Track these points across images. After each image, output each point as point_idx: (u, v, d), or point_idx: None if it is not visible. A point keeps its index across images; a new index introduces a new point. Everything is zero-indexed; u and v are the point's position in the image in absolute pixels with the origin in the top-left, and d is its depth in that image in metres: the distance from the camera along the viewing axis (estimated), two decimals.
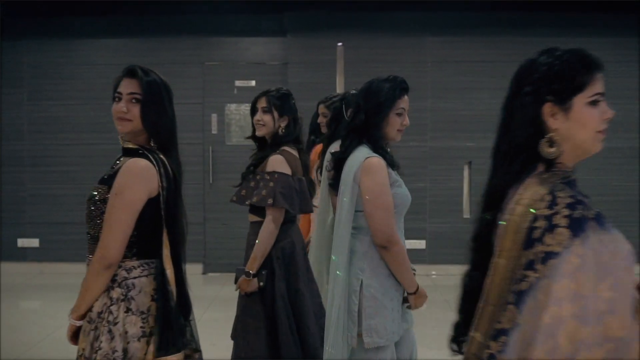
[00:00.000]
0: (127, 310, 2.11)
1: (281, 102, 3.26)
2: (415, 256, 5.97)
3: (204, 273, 7.49)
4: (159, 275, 2.14)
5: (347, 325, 2.52)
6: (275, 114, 3.25)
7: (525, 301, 1.33)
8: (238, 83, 7.38)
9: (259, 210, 3.21)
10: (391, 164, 2.58)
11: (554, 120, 1.46)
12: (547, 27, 7.25)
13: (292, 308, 3.19)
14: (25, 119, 7.49)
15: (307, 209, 3.33)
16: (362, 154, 2.55)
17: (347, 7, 7.25)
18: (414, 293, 2.60)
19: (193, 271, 7.38)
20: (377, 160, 2.53)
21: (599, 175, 7.17)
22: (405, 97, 2.62)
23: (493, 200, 1.52)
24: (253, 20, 7.45)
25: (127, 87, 2.17)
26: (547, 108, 1.46)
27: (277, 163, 3.17)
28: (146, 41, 7.45)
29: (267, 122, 3.25)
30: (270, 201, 3.11)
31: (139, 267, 2.16)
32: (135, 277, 2.14)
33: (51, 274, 7.12)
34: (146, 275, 2.16)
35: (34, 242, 7.47)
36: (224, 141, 7.43)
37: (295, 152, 3.28)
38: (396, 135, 2.62)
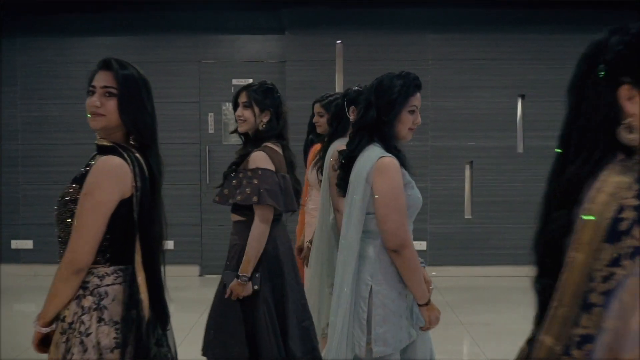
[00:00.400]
0: (100, 320, 2.02)
1: (262, 97, 3.21)
2: None
3: (201, 275, 7.50)
4: (130, 283, 2.05)
5: (353, 333, 2.46)
6: (256, 109, 3.20)
7: (612, 302, 1.20)
8: (235, 81, 7.34)
9: (241, 209, 3.15)
10: (404, 164, 2.53)
11: (631, 104, 1.31)
12: (549, 25, 7.28)
13: (275, 311, 3.14)
14: (19, 119, 7.49)
15: (292, 207, 3.26)
16: (374, 154, 2.49)
17: (347, 4, 7.25)
18: (426, 305, 2.52)
19: (190, 273, 7.39)
20: (391, 160, 2.47)
21: None
22: (418, 94, 2.57)
23: (569, 194, 1.35)
24: (250, 18, 7.45)
25: (101, 80, 2.08)
26: (624, 91, 1.31)
27: (259, 160, 3.11)
28: (141, 39, 7.45)
29: (248, 118, 3.20)
30: (255, 199, 3.05)
31: (112, 273, 2.07)
32: (108, 285, 2.05)
33: (46, 276, 7.05)
34: (120, 283, 2.07)
35: (28, 244, 7.47)
36: (221, 141, 7.42)
37: (278, 149, 3.21)
38: (407, 134, 2.57)
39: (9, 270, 7.30)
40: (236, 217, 3.21)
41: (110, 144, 2.09)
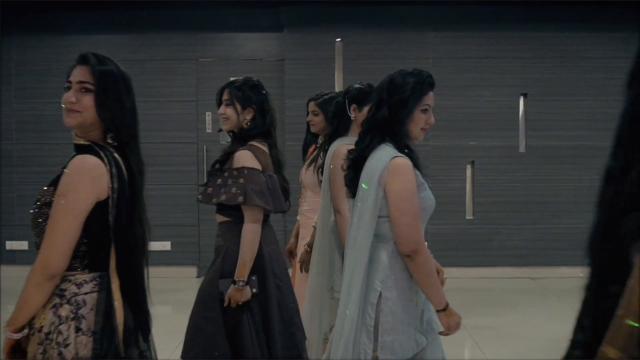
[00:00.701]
0: (78, 330, 1.94)
1: (243, 93, 3.14)
2: None
3: (199, 276, 7.44)
4: (103, 291, 1.98)
5: (359, 340, 2.41)
6: (238, 106, 3.13)
7: None
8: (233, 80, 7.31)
9: (226, 209, 3.09)
10: (416, 164, 2.47)
11: None
12: (552, 22, 7.28)
13: (260, 314, 3.06)
14: (13, 118, 7.49)
15: (281, 208, 3.17)
16: (386, 154, 2.43)
17: (346, 2, 7.25)
18: (444, 310, 2.46)
19: (187, 274, 7.38)
20: (404, 161, 2.41)
21: (591, 174, 7.18)
22: (431, 93, 2.53)
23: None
24: (248, 15, 7.45)
25: (78, 75, 2.02)
26: None
27: (244, 158, 3.04)
28: (138, 37, 7.45)
29: (230, 115, 3.14)
30: (241, 199, 2.98)
31: (91, 281, 2.00)
32: (86, 293, 1.98)
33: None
34: (98, 291, 1.99)
35: (23, 245, 7.44)
36: (219, 140, 7.29)
37: (265, 147, 3.15)
38: (419, 134, 2.52)
39: (4, 271, 7.29)
40: (221, 218, 3.16)
41: (88, 142, 2.02)
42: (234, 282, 3.00)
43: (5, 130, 7.48)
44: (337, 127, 3.47)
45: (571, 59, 7.38)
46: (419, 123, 2.50)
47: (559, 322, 5.67)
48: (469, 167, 7.39)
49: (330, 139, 3.50)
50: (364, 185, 2.46)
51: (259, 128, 3.15)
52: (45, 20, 7.43)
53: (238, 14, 7.46)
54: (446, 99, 7.21)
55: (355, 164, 2.55)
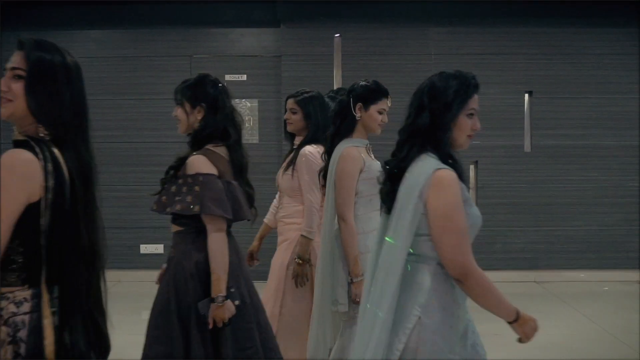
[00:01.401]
0: (16, 355, 1.76)
1: (192, 91, 2.96)
2: None
3: None
4: (35, 308, 1.79)
5: None
6: (187, 105, 2.95)
7: None
8: (228, 77, 7.27)
9: (180, 219, 2.92)
10: (462, 177, 2.32)
11: None
12: (558, 17, 7.28)
13: (211, 332, 2.87)
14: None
15: (242, 216, 2.97)
16: (429, 165, 2.27)
17: None
18: (515, 321, 2.37)
19: None
20: (449, 173, 2.25)
21: (598, 174, 7.23)
22: (476, 96, 2.39)
23: None
24: (244, 10, 7.42)
25: (12, 61, 1.89)
26: None
27: (198, 164, 2.85)
28: (130, 32, 7.43)
29: (181, 117, 2.97)
30: (196, 208, 2.81)
31: (32, 298, 1.79)
32: (26, 313, 1.78)
33: None
34: (39, 310, 1.79)
35: None
36: None
37: (222, 151, 2.95)
38: (465, 142, 2.37)
39: None
40: (175, 228, 2.97)
41: (24, 137, 1.85)
42: (213, 300, 2.81)
43: None
44: (340, 127, 3.37)
45: (578, 55, 7.38)
46: (465, 129, 2.35)
47: (566, 328, 5.69)
48: (472, 167, 7.38)
49: (333, 140, 3.39)
50: (402, 200, 2.32)
51: (211, 128, 2.94)
52: (37, 16, 7.39)
53: (233, 8, 7.43)
54: None
55: (393, 176, 2.39)
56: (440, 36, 7.34)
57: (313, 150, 3.66)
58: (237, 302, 2.86)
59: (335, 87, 6.10)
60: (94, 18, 7.42)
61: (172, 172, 2.96)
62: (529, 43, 7.33)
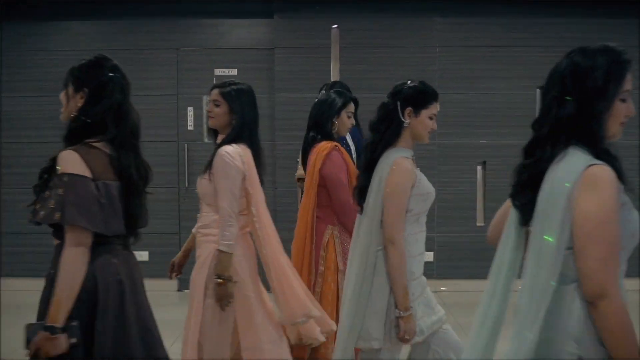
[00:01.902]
0: None
1: (79, 73, 2.58)
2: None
3: (180, 290, 7.38)
4: None
5: None
6: (70, 89, 2.57)
7: None
8: (218, 72, 7.27)
9: (58, 230, 2.52)
10: (620, 175, 1.96)
11: None
12: (569, 8, 7.19)
13: None
14: None
15: (115, 230, 2.56)
16: (579, 161, 1.95)
17: None
18: None
19: (167, 288, 7.17)
20: (605, 170, 1.92)
21: None
22: (629, 74, 2.05)
23: None
24: (235, 0, 7.35)
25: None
26: None
27: (65, 161, 2.47)
28: (114, 24, 7.39)
29: (63, 101, 2.61)
30: (57, 216, 2.41)
31: None
32: None
33: (6, 292, 6.86)
34: None
35: None
36: (202, 138, 7.30)
37: (104, 146, 2.56)
38: (618, 131, 2.06)
39: None
40: (56, 240, 2.58)
41: None
42: (45, 328, 2.40)
43: None
44: (384, 134, 3.07)
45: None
46: (619, 116, 2.04)
47: None
48: (479, 168, 7.30)
49: (375, 149, 3.09)
50: (544, 207, 1.99)
51: (90, 118, 2.54)
52: (18, 8, 7.28)
53: None
54: (454, 93, 7.16)
55: (533, 180, 2.06)
56: (446, 27, 7.28)
57: (232, 151, 3.31)
58: (73, 340, 2.43)
59: (332, 80, 5.95)
60: (76, 10, 7.36)
61: (45, 175, 2.55)
62: (540, 35, 7.22)
